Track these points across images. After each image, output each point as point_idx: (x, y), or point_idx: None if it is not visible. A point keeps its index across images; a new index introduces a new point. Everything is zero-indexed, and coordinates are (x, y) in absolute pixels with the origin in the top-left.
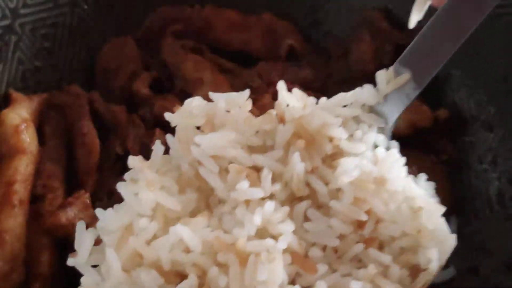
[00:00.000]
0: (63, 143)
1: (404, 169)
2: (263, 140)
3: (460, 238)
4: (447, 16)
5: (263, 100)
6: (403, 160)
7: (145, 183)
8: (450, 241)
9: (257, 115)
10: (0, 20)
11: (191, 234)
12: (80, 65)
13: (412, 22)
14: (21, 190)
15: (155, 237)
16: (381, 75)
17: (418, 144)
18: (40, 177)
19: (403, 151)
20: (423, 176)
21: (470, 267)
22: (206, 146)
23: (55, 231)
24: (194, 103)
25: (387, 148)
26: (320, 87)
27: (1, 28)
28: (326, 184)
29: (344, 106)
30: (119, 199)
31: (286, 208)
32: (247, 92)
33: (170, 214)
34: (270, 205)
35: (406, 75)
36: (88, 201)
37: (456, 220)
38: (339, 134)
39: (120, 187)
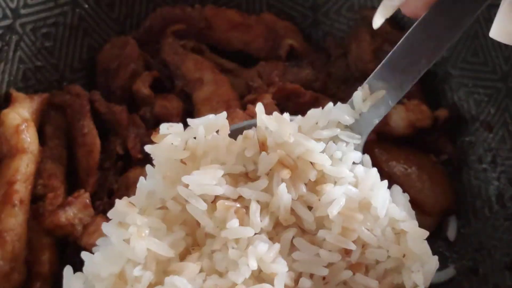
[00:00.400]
0: (64, 143)
1: (385, 188)
2: (244, 166)
3: (459, 238)
4: (423, 30)
5: (263, 100)
6: (384, 182)
7: (136, 231)
8: (433, 263)
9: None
10: (1, 20)
11: (187, 284)
12: (81, 64)
13: (376, 24)
14: (21, 189)
15: (150, 285)
16: (358, 94)
17: (417, 144)
18: (41, 176)
19: (403, 150)
20: (398, 189)
21: (469, 267)
22: (194, 187)
23: (54, 231)
24: (172, 129)
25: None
26: (320, 87)
27: (2, 28)
28: (311, 209)
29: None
30: (119, 198)
31: (277, 246)
32: (224, 114)
33: (161, 257)
34: (263, 246)
35: (381, 92)
36: (87, 200)
37: (455, 220)
38: (323, 160)
39: (108, 230)
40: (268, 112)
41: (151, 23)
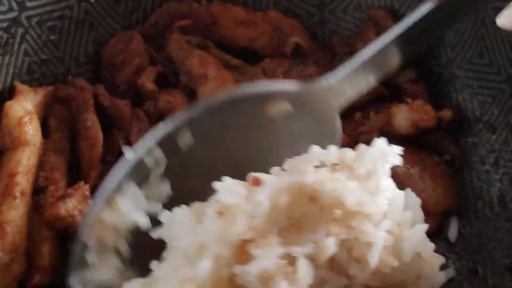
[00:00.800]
0: (67, 136)
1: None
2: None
3: (460, 239)
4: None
5: None
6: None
7: None
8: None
9: None
10: (7, 13)
11: None
12: (87, 58)
13: (501, 22)
14: (23, 181)
15: None
16: None
17: (420, 144)
18: (43, 169)
19: (405, 150)
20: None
21: (469, 268)
22: (255, 272)
23: (54, 223)
24: (231, 200)
25: None
26: None
27: (8, 20)
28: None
29: None
30: None
31: None
32: (277, 169)
33: None
34: None
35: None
36: (87, 192)
37: (457, 220)
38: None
39: None
40: None
41: (157, 18)
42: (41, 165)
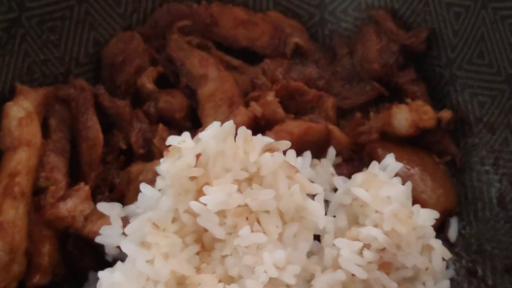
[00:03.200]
0: (67, 136)
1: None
2: (247, 170)
3: (460, 239)
4: None
5: (266, 98)
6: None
7: (160, 254)
8: (445, 286)
9: (260, 112)
10: (7, 13)
11: None
12: (87, 58)
13: None
14: (23, 182)
15: None
16: None
17: (421, 144)
18: (43, 169)
19: (406, 150)
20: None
21: (469, 269)
22: (210, 205)
23: (55, 223)
24: (183, 144)
25: None
26: (324, 85)
27: (8, 21)
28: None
29: None
30: (120, 193)
31: (290, 251)
32: (230, 122)
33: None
34: (280, 254)
35: None
36: (88, 193)
37: (456, 221)
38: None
39: (129, 250)
40: (271, 109)
41: (157, 18)
42: (41, 165)
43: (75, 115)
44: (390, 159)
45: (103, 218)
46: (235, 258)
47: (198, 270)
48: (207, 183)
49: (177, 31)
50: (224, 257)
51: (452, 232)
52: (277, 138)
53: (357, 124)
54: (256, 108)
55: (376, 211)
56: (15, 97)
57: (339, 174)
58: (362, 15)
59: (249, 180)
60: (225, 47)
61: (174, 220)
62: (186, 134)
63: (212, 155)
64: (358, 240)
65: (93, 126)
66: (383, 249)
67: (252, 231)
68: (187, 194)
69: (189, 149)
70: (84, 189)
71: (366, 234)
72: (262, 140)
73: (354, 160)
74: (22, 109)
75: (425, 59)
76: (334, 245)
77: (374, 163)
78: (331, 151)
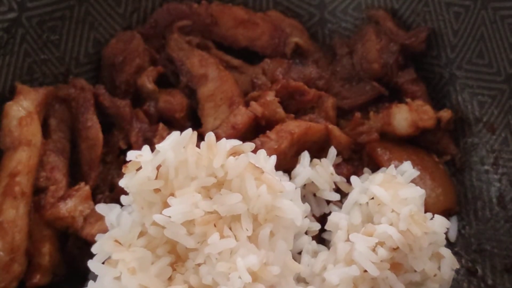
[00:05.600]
0: (67, 136)
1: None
2: (215, 175)
3: (460, 239)
4: None
5: (266, 97)
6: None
7: (126, 269)
8: None
9: (260, 112)
10: (7, 13)
11: None
12: (87, 58)
13: None
14: (23, 181)
15: None
16: None
17: (420, 144)
18: (43, 169)
19: (405, 150)
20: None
21: (469, 268)
22: (175, 217)
23: (55, 223)
24: (141, 158)
25: None
26: (324, 85)
27: (8, 21)
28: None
29: None
30: (120, 193)
31: (264, 253)
32: (189, 130)
33: None
34: (253, 258)
35: None
36: (88, 193)
37: (456, 220)
38: None
39: (96, 269)
40: (271, 109)
41: (157, 18)
42: (41, 165)
43: (75, 115)
44: (407, 166)
45: (101, 220)
46: (209, 266)
47: (171, 280)
48: (172, 194)
49: (177, 31)
50: (198, 265)
51: (452, 232)
52: (277, 138)
53: (357, 124)
54: (256, 108)
55: (393, 211)
56: (15, 96)
57: (338, 173)
58: (362, 15)
59: (219, 186)
60: (225, 47)
61: (142, 234)
62: (145, 148)
63: (172, 165)
64: (373, 236)
65: (93, 126)
66: (396, 248)
67: (224, 237)
68: (151, 207)
69: (147, 162)
70: (84, 189)
71: (382, 231)
72: (226, 144)
73: (354, 160)
74: (22, 108)
75: (425, 59)
76: (347, 241)
77: (392, 167)
78: (332, 151)
